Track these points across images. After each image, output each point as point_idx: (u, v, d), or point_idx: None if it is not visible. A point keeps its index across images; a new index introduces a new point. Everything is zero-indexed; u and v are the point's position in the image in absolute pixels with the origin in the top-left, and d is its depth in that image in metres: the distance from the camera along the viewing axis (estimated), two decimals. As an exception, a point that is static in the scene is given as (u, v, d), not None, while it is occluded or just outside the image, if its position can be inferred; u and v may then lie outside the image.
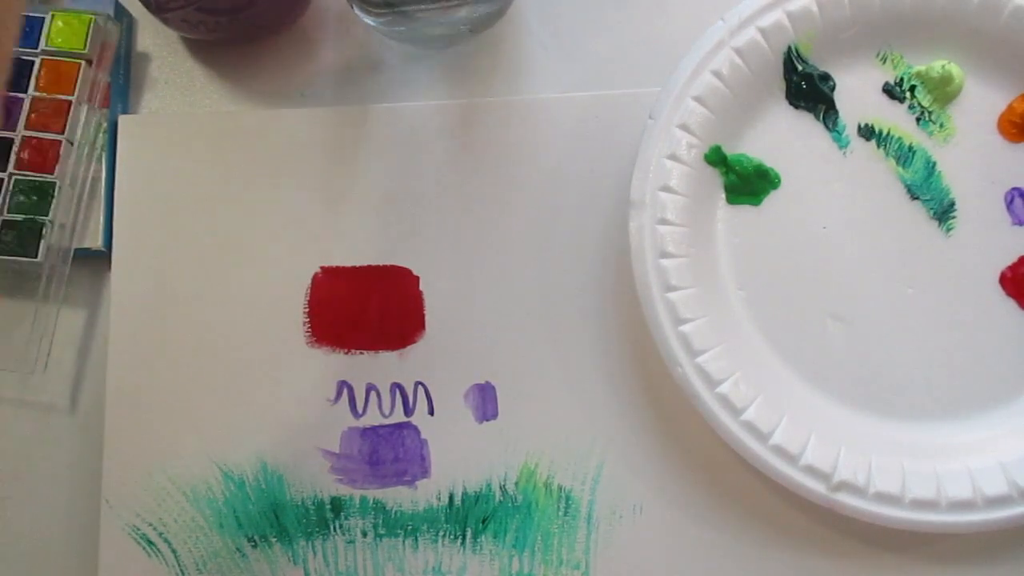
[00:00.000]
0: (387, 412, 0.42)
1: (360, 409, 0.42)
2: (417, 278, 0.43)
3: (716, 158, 0.41)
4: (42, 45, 0.44)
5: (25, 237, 0.42)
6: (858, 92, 0.42)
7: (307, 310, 0.43)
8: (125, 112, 0.46)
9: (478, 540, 0.41)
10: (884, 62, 0.42)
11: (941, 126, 0.41)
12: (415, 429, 0.42)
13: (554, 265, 0.43)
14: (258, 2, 0.43)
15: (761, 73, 0.41)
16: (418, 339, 0.42)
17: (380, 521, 0.41)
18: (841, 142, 0.42)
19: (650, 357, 0.40)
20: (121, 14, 0.46)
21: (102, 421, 0.42)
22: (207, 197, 0.44)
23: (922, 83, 0.42)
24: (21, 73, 0.43)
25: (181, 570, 0.41)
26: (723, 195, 0.41)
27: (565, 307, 0.42)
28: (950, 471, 0.38)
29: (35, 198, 0.42)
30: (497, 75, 0.45)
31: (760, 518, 0.40)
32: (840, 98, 0.42)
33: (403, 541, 0.41)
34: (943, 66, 0.41)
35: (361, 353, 0.43)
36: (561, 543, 0.41)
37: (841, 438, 0.38)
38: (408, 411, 0.42)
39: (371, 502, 0.41)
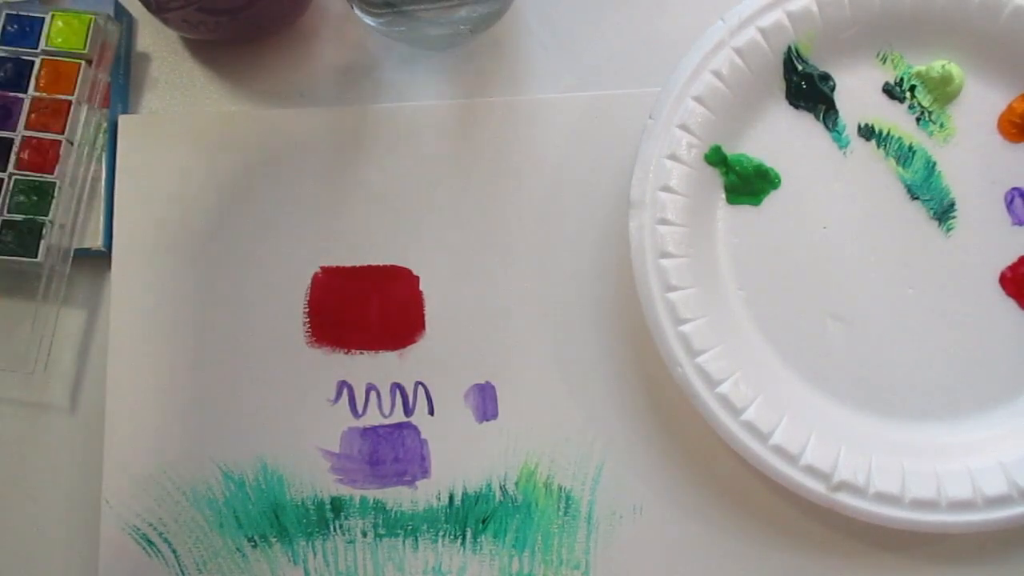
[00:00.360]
0: (387, 412, 0.42)
1: (360, 409, 0.42)
2: (417, 278, 0.43)
3: (716, 158, 0.41)
4: (42, 45, 0.44)
5: (25, 237, 0.42)
6: (858, 92, 0.42)
7: (307, 310, 0.43)
8: (125, 112, 0.46)
9: (478, 540, 0.41)
10: (884, 62, 0.42)
11: (941, 126, 0.41)
12: (415, 429, 0.42)
13: (554, 265, 0.43)
14: (258, 2, 0.43)
15: (761, 73, 0.41)
16: (418, 339, 0.42)
17: (380, 521, 0.41)
18: (841, 142, 0.42)
19: (650, 357, 0.40)
20: (121, 14, 0.46)
21: (102, 421, 0.42)
22: (207, 197, 0.44)
23: (922, 83, 0.42)
24: (21, 73, 0.43)
25: (181, 570, 0.41)
26: (723, 195, 0.41)
27: (565, 307, 0.42)
28: (950, 471, 0.38)
29: (35, 198, 0.42)
30: (497, 75, 0.45)
31: (760, 518, 0.40)
32: (840, 98, 0.42)
33: (403, 541, 0.41)
34: (943, 66, 0.41)
35: (361, 353, 0.43)
36: (561, 543, 0.41)
37: (841, 438, 0.38)
38: (408, 411, 0.42)
39: (371, 502, 0.41)
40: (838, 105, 0.42)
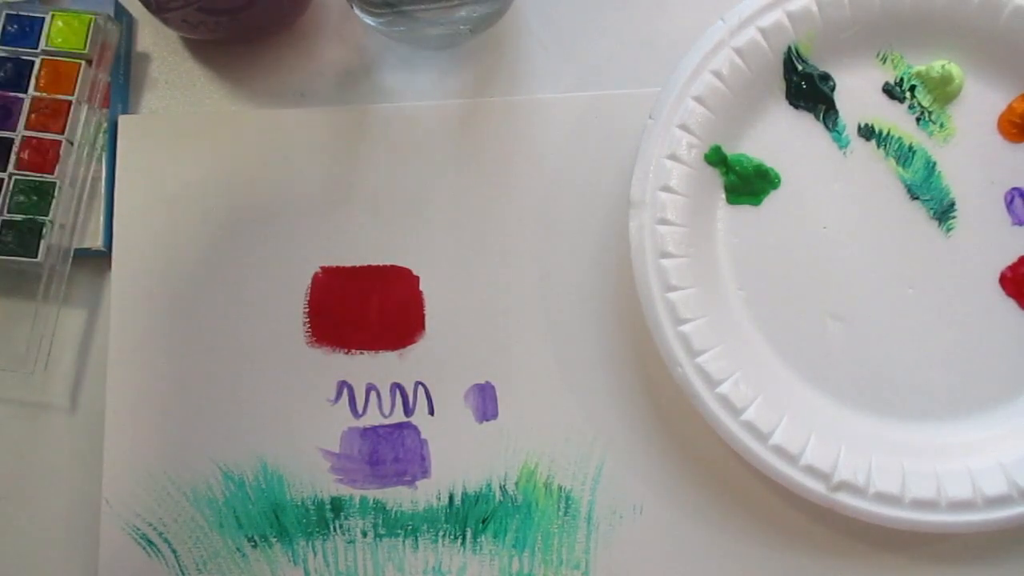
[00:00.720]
0: (387, 412, 0.42)
1: (360, 409, 0.42)
2: (417, 278, 0.43)
3: (716, 158, 0.41)
4: (42, 45, 0.44)
5: (25, 237, 0.42)
6: (858, 92, 0.42)
7: (307, 310, 0.43)
8: (125, 112, 0.46)
9: (478, 540, 0.41)
10: (884, 62, 0.42)
11: (941, 126, 0.41)
12: (415, 429, 0.42)
13: (554, 265, 0.43)
14: (258, 2, 0.43)
15: (761, 73, 0.41)
16: (418, 339, 0.42)
17: (380, 521, 0.41)
18: (841, 142, 0.42)
19: (650, 357, 0.40)
20: (121, 14, 0.46)
21: (102, 421, 0.42)
22: (207, 197, 0.44)
23: (922, 83, 0.42)
24: (21, 73, 0.43)
25: (181, 570, 0.41)
26: (723, 195, 0.41)
27: (565, 307, 0.42)
28: (950, 471, 0.38)
29: (35, 198, 0.42)
30: (497, 75, 0.45)
31: (760, 518, 0.40)
32: (840, 98, 0.42)
33: (403, 541, 0.41)
34: (943, 66, 0.41)
35: (361, 353, 0.43)
36: (561, 543, 0.41)
37: (841, 438, 0.38)
38: (408, 411, 0.42)
39: (371, 502, 0.41)
40: (838, 105, 0.42)
